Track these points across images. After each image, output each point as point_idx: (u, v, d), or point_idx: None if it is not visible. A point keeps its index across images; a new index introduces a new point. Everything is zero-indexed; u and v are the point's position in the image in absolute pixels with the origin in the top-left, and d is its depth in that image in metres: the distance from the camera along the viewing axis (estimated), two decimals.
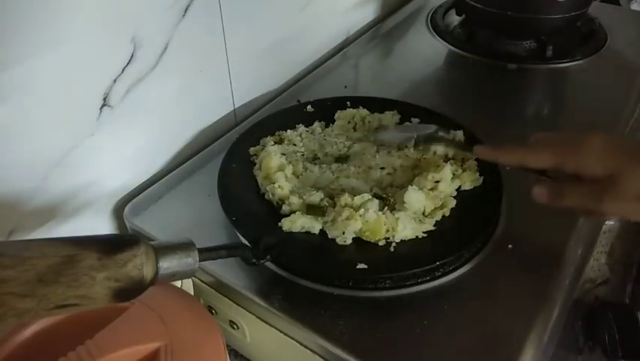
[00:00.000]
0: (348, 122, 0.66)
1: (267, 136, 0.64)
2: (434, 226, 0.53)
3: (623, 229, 0.70)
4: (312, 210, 0.53)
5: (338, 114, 0.67)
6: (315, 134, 0.65)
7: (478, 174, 0.57)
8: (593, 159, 0.43)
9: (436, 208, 0.54)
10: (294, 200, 0.54)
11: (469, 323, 0.47)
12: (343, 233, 0.51)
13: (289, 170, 0.57)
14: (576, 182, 0.45)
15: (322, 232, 0.52)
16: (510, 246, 0.53)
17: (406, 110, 0.68)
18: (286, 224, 0.52)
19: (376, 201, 0.53)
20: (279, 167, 0.58)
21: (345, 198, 0.53)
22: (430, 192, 0.54)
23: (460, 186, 0.57)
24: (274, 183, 0.55)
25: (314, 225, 0.52)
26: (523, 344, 0.45)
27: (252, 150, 0.63)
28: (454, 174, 0.57)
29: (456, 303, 0.48)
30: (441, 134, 0.59)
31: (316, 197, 0.54)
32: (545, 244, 0.54)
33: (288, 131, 0.65)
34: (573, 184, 0.46)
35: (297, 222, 0.52)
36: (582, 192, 0.45)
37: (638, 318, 0.56)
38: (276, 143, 0.63)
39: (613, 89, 0.78)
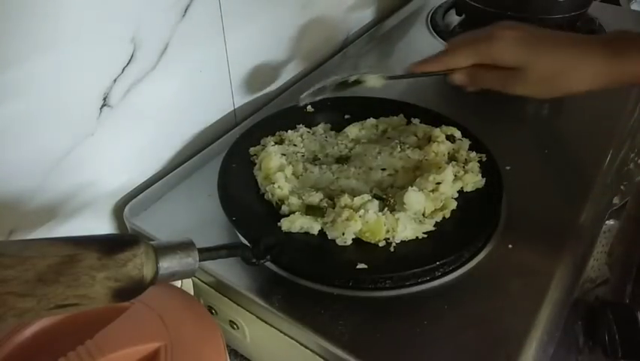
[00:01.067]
0: (360, 130, 0.66)
1: (267, 136, 0.64)
2: (434, 226, 0.53)
3: (623, 229, 0.70)
4: (311, 210, 0.53)
5: (348, 128, 0.66)
6: (317, 135, 0.65)
7: (480, 175, 0.57)
8: (504, 53, 0.51)
9: (436, 209, 0.54)
10: (294, 200, 0.54)
11: (469, 323, 0.47)
12: (343, 234, 0.51)
13: (289, 170, 0.57)
14: (490, 68, 0.52)
15: (322, 232, 0.52)
16: (510, 246, 0.53)
17: (407, 111, 0.68)
18: (285, 224, 0.52)
19: (376, 202, 0.53)
20: (278, 167, 0.57)
21: (345, 199, 0.53)
22: (431, 193, 0.54)
23: (461, 188, 0.57)
24: (274, 183, 0.55)
25: (313, 225, 0.52)
26: (523, 344, 0.45)
27: (252, 150, 0.63)
28: (455, 175, 0.57)
29: (456, 303, 0.48)
30: (353, 78, 0.59)
31: (315, 198, 0.54)
32: (545, 244, 0.54)
33: (289, 131, 0.65)
34: (486, 70, 0.53)
35: (297, 223, 0.52)
36: (493, 76, 0.52)
37: (638, 318, 0.56)
38: (276, 143, 0.63)
39: (613, 90, 0.78)
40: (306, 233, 0.52)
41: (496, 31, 0.52)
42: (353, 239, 0.51)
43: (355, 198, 0.53)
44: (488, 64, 0.52)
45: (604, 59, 0.49)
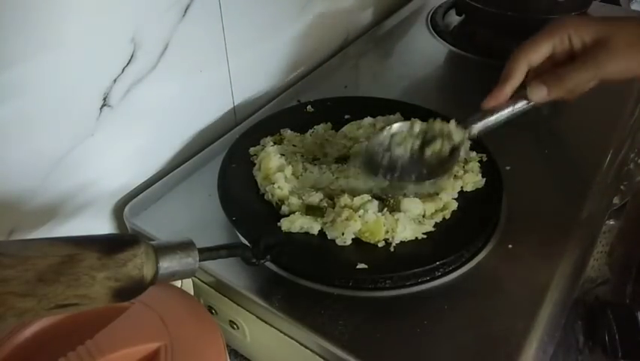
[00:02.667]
0: (357, 129, 0.66)
1: (267, 136, 0.64)
2: (434, 226, 0.53)
3: (623, 229, 0.70)
4: (311, 210, 0.53)
5: (346, 127, 0.66)
6: (317, 135, 0.65)
7: (480, 175, 0.57)
8: (580, 27, 0.46)
9: (437, 210, 0.54)
10: (294, 201, 0.54)
11: (469, 323, 0.47)
12: (343, 234, 0.51)
13: (289, 170, 0.57)
14: (567, 63, 0.47)
15: (322, 232, 0.52)
16: (510, 246, 0.53)
17: (406, 111, 0.68)
18: (285, 224, 0.52)
19: (376, 202, 0.53)
20: (278, 167, 0.57)
21: (345, 199, 0.53)
22: (430, 197, 0.54)
23: (461, 188, 0.57)
24: (273, 183, 0.55)
25: (313, 225, 0.52)
26: (523, 344, 0.45)
27: (252, 150, 0.63)
28: (455, 175, 0.57)
29: (456, 303, 0.48)
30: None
31: (315, 198, 0.54)
32: (545, 244, 0.54)
33: (288, 131, 0.65)
34: (565, 65, 0.47)
35: (296, 223, 0.52)
36: (577, 66, 0.46)
37: (638, 318, 0.56)
38: (275, 143, 0.63)
39: (613, 89, 0.77)
40: (306, 233, 0.52)
41: (557, 20, 0.47)
42: (353, 239, 0.51)
43: (355, 198, 0.53)
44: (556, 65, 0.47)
45: None
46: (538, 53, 0.48)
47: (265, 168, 0.57)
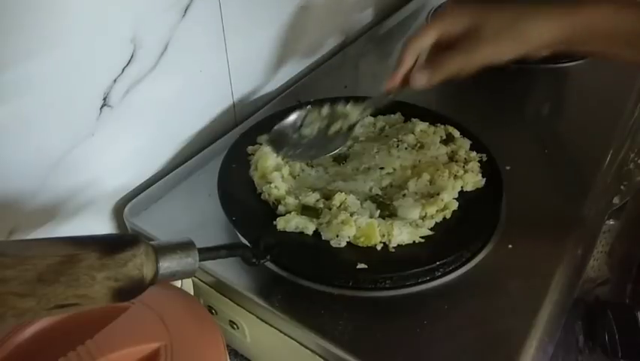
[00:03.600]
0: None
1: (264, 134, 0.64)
2: (434, 226, 0.52)
3: (623, 229, 0.70)
4: (307, 211, 0.53)
5: None
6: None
7: (480, 175, 0.57)
8: (454, 16, 0.50)
9: (438, 211, 0.54)
10: (290, 200, 0.54)
11: (469, 323, 0.47)
12: (337, 236, 0.51)
13: (286, 170, 0.57)
14: (444, 51, 0.50)
15: (316, 233, 0.52)
16: (510, 246, 0.53)
17: (406, 110, 0.68)
18: (281, 223, 0.52)
19: (372, 205, 0.53)
20: (274, 167, 0.57)
21: (340, 197, 0.53)
22: (430, 198, 0.54)
23: (461, 188, 0.57)
24: (270, 183, 0.55)
25: (308, 225, 0.52)
26: (523, 344, 0.45)
27: (249, 148, 0.63)
28: (455, 175, 0.57)
29: (456, 303, 0.48)
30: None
31: (312, 198, 0.54)
32: (545, 244, 0.54)
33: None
34: (444, 52, 0.50)
35: (292, 222, 0.52)
36: (452, 54, 0.50)
37: (638, 318, 0.56)
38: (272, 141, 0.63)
39: (613, 89, 0.78)
40: (301, 233, 0.52)
41: (447, 7, 0.52)
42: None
43: (350, 202, 0.53)
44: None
45: (557, 10, 0.48)
46: (423, 40, 0.52)
47: (262, 167, 0.57)
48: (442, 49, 0.51)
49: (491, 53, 0.49)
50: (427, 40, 0.52)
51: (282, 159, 0.59)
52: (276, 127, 0.58)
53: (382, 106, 0.58)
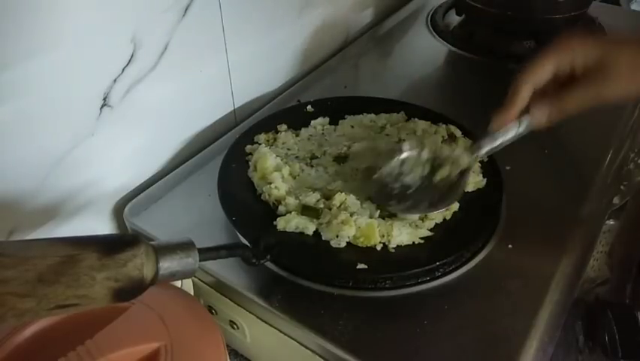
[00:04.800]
0: (352, 127, 0.66)
1: (261, 133, 0.65)
2: (435, 226, 0.52)
3: (623, 229, 0.70)
4: (307, 211, 0.53)
5: (348, 120, 0.67)
6: (315, 132, 0.65)
7: (481, 175, 0.57)
8: (585, 47, 0.46)
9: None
10: (291, 201, 0.54)
11: (469, 323, 0.47)
12: (337, 236, 0.51)
13: (286, 170, 0.57)
14: (567, 85, 0.47)
15: (317, 233, 0.52)
16: (510, 246, 0.53)
17: (406, 110, 0.68)
18: (281, 223, 0.52)
19: (369, 209, 0.53)
20: (275, 167, 0.57)
21: (340, 197, 0.53)
22: None
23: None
24: (270, 183, 0.55)
25: (308, 226, 0.52)
26: (523, 344, 0.45)
27: (248, 147, 0.63)
28: None
29: (456, 303, 0.48)
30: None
31: (312, 198, 0.54)
32: (545, 244, 0.54)
33: (284, 126, 0.66)
34: (567, 87, 0.47)
35: (292, 222, 0.52)
36: (579, 88, 0.46)
37: (638, 318, 0.56)
38: (269, 142, 0.63)
39: None
40: (302, 233, 0.52)
41: (561, 39, 0.48)
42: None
43: (350, 203, 0.53)
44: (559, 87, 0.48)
45: None
46: (541, 74, 0.48)
47: (262, 168, 0.57)
48: (559, 82, 0.48)
49: (625, 90, 0.46)
50: (545, 75, 0.48)
51: (396, 213, 0.53)
52: (375, 176, 0.55)
53: (496, 150, 0.53)
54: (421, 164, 0.56)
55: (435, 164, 0.55)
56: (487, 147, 0.53)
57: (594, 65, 0.46)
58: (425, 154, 0.56)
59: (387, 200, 0.53)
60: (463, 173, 0.53)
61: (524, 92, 0.48)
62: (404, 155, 0.56)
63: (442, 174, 0.54)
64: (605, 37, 0.48)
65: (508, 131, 0.51)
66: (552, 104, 0.48)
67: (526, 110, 0.50)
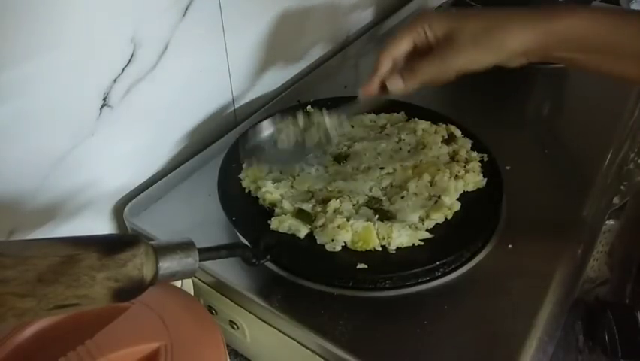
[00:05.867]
0: (352, 127, 0.66)
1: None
2: (434, 226, 0.52)
3: (623, 229, 0.70)
4: (300, 215, 0.53)
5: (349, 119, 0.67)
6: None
7: (481, 175, 0.57)
8: (432, 22, 0.49)
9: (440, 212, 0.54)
10: (287, 205, 0.54)
11: (469, 323, 0.47)
12: (332, 240, 0.50)
13: (276, 174, 0.58)
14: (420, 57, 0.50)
15: (309, 235, 0.52)
16: (510, 246, 0.53)
17: (407, 110, 0.68)
18: (274, 223, 0.52)
19: (365, 215, 0.53)
20: (266, 172, 0.58)
21: (335, 203, 0.53)
22: (430, 200, 0.54)
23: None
24: (261, 188, 0.56)
25: (300, 228, 0.52)
26: (523, 344, 0.45)
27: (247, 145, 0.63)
28: (456, 175, 0.57)
29: (456, 303, 0.48)
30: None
31: (307, 206, 0.54)
32: (545, 244, 0.54)
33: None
34: (418, 59, 0.50)
35: (285, 223, 0.52)
36: (427, 61, 0.49)
37: (638, 318, 0.56)
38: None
39: (613, 89, 0.78)
40: (294, 235, 0.52)
41: (417, 15, 0.52)
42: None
43: (344, 207, 0.53)
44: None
45: (532, 17, 0.47)
46: (399, 47, 0.52)
47: (252, 174, 0.58)
48: (418, 55, 0.51)
49: (466, 61, 0.49)
50: (402, 46, 0.52)
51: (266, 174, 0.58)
52: (250, 144, 0.58)
53: (359, 113, 0.57)
54: (296, 130, 0.58)
55: (305, 129, 0.58)
56: (350, 112, 0.57)
57: (443, 37, 0.49)
58: (301, 121, 0.58)
59: (262, 162, 0.57)
60: (328, 136, 0.57)
61: (384, 64, 0.52)
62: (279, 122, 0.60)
63: (312, 137, 0.57)
64: (456, 12, 0.51)
65: (373, 98, 0.54)
66: (405, 74, 0.51)
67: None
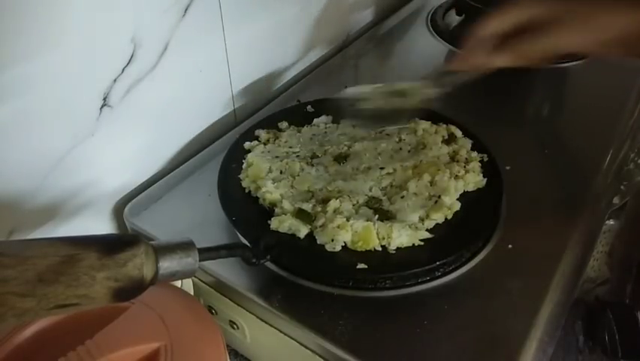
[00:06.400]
0: (353, 127, 0.66)
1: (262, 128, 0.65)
2: (434, 226, 0.52)
3: (623, 229, 0.70)
4: (300, 214, 0.53)
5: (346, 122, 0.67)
6: (319, 132, 0.65)
7: (481, 175, 0.57)
8: (540, 4, 0.49)
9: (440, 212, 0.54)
10: (287, 205, 0.54)
11: (469, 323, 0.47)
12: (332, 240, 0.50)
13: (276, 174, 0.58)
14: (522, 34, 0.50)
15: (309, 235, 0.52)
16: (510, 246, 0.53)
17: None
18: (274, 223, 0.52)
19: (365, 215, 0.53)
20: (266, 172, 0.58)
21: (335, 203, 0.53)
22: (430, 200, 0.54)
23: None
24: (261, 188, 0.56)
25: (300, 228, 0.52)
26: (523, 344, 0.45)
27: (247, 144, 0.63)
28: (457, 175, 0.57)
29: (456, 303, 0.48)
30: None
31: (307, 207, 0.53)
32: (545, 244, 0.54)
33: (285, 123, 0.66)
34: (523, 35, 0.49)
35: (285, 223, 0.52)
36: (536, 36, 0.49)
37: (638, 318, 0.56)
38: (269, 141, 0.63)
39: (613, 89, 0.78)
40: (294, 235, 0.52)
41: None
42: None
43: (344, 209, 0.53)
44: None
45: (637, 3, 0.48)
46: (505, 20, 0.51)
47: (252, 174, 0.58)
48: (512, 35, 0.50)
49: (572, 40, 0.49)
50: (508, 21, 0.51)
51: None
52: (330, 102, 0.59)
53: (445, 86, 0.56)
54: (377, 96, 0.59)
55: (389, 97, 0.58)
56: (447, 81, 0.55)
57: (550, 18, 0.49)
58: (383, 88, 0.58)
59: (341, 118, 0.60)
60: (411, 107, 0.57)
61: (484, 35, 0.51)
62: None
63: (393, 104, 0.57)
64: None
65: (468, 72, 0.54)
66: (513, 47, 0.50)
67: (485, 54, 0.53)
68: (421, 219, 0.53)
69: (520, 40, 0.49)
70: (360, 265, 0.49)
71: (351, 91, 0.59)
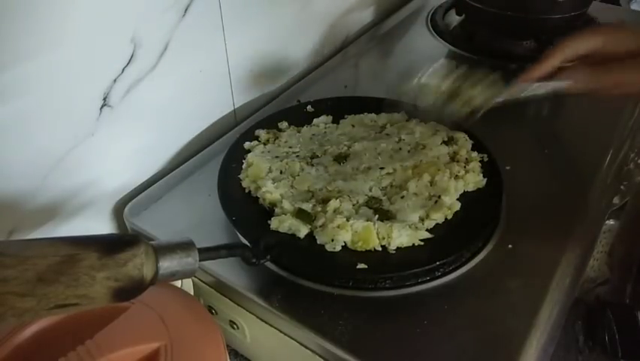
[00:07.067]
0: (353, 126, 0.66)
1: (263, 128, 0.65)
2: (435, 226, 0.52)
3: (623, 229, 0.70)
4: (300, 214, 0.53)
5: (349, 119, 0.67)
6: (319, 132, 0.65)
7: (481, 175, 0.57)
8: (630, 34, 0.47)
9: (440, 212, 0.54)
10: (287, 205, 0.54)
11: (469, 323, 0.47)
12: (332, 240, 0.50)
13: (276, 174, 0.58)
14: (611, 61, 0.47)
15: (309, 235, 0.52)
16: (510, 246, 0.53)
17: (407, 110, 0.68)
18: (274, 223, 0.52)
19: (365, 215, 0.53)
20: (266, 172, 0.58)
21: (335, 203, 0.53)
22: (430, 200, 0.54)
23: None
24: (261, 188, 0.56)
25: (300, 228, 0.52)
26: (523, 344, 0.45)
27: (247, 144, 0.63)
28: (457, 175, 0.57)
29: (456, 303, 0.48)
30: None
31: (306, 206, 0.53)
32: (545, 244, 0.54)
33: (285, 124, 0.66)
34: (611, 62, 0.47)
35: (285, 223, 0.52)
36: (625, 66, 0.46)
37: (638, 318, 0.56)
38: (269, 141, 0.63)
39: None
40: (294, 235, 0.52)
41: (612, 23, 0.50)
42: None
43: (344, 207, 0.53)
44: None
45: None
46: (584, 43, 0.49)
47: (252, 174, 0.58)
48: (594, 61, 0.48)
49: None
50: (588, 45, 0.49)
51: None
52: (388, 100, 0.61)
53: (512, 98, 0.55)
54: (436, 93, 0.58)
55: (451, 96, 0.58)
56: (505, 95, 0.54)
57: (635, 51, 0.46)
58: (444, 85, 0.57)
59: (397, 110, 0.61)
60: (473, 112, 0.55)
61: (559, 54, 0.50)
62: (424, 79, 0.59)
63: (454, 104, 0.56)
64: None
65: (531, 87, 0.52)
66: (598, 69, 0.48)
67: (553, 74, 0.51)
68: (421, 219, 0.53)
69: (611, 66, 0.47)
70: (360, 265, 0.49)
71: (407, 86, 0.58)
